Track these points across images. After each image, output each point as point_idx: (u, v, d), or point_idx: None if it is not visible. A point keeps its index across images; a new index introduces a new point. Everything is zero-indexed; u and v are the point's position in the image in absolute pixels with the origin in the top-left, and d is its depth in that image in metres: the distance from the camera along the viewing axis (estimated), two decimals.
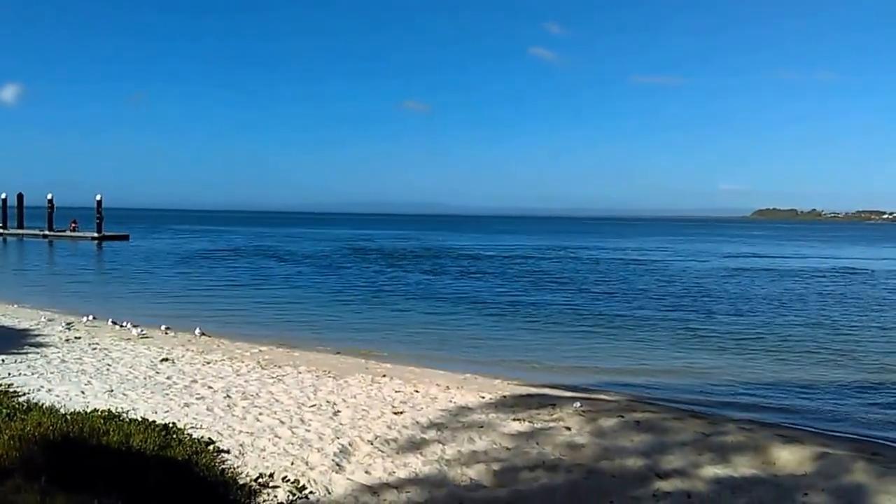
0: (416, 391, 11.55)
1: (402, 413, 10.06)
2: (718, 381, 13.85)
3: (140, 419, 8.50)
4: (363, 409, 10.19)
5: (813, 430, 10.44)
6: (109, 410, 8.79)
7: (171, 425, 8.41)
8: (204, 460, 7.29)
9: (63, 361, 12.93)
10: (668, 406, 11.52)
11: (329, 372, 12.93)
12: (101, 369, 12.39)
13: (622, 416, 10.08)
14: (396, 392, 11.43)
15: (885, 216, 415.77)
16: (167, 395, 10.63)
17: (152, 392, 10.76)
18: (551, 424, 9.69)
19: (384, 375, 12.82)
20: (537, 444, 8.82)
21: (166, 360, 13.47)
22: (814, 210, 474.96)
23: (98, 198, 62.07)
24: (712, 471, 7.88)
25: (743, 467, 8.04)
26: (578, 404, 10.72)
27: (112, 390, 10.78)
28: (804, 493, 7.26)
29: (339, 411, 10.05)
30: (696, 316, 23.14)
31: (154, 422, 8.42)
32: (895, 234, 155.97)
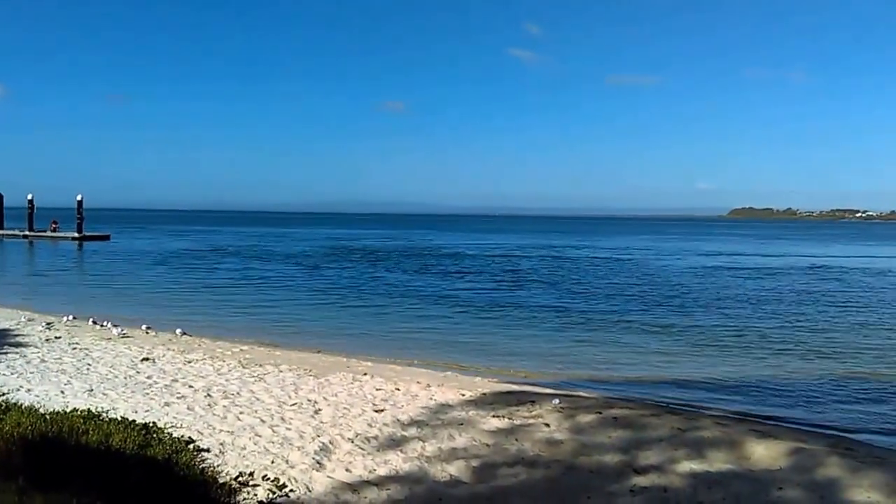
0: (398, 389, 11.60)
1: (382, 411, 10.10)
2: (695, 378, 14.02)
3: (120, 418, 8.47)
4: (344, 408, 10.22)
5: (788, 425, 10.62)
6: (89, 410, 8.75)
7: (151, 424, 8.40)
8: (184, 459, 7.29)
9: (43, 361, 12.87)
10: (645, 402, 11.65)
11: (310, 370, 12.95)
12: (81, 369, 12.34)
13: (600, 413, 10.18)
14: (377, 390, 11.47)
15: (858, 214, 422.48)
16: (147, 394, 10.61)
17: (132, 391, 10.74)
18: (530, 421, 9.78)
19: (365, 374, 12.86)
20: (517, 440, 8.90)
21: (147, 359, 13.43)
22: (789, 209, 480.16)
23: (79, 198, 61.50)
24: (688, 466, 8.00)
25: (718, 462, 8.17)
26: (557, 401, 10.81)
27: (92, 390, 10.75)
28: (778, 488, 7.38)
29: (319, 410, 10.08)
30: (674, 313, 23.37)
31: (134, 421, 8.40)
32: (869, 232, 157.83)
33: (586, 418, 9.91)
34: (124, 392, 10.68)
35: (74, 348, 14.34)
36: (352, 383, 11.94)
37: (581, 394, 12.14)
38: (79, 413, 8.49)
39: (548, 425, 9.59)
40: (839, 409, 11.92)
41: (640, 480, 7.54)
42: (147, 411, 9.49)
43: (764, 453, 8.47)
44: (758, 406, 11.93)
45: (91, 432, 7.47)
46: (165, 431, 8.26)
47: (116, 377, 11.78)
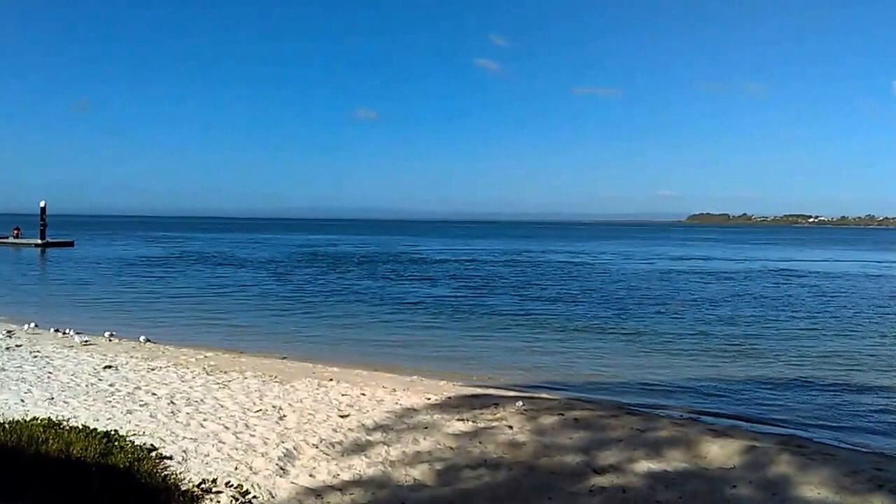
0: (363, 394, 11.66)
1: (347, 416, 10.16)
2: (654, 379, 14.29)
3: (81, 427, 8.42)
4: (309, 413, 10.26)
5: (742, 424, 10.88)
6: (49, 418, 8.69)
7: (112, 432, 8.35)
8: (146, 467, 7.28)
9: (3, 370, 12.69)
10: (605, 404, 11.87)
11: (275, 377, 12.95)
12: (42, 377, 12.20)
13: (562, 415, 10.36)
14: (343, 395, 11.52)
15: (811, 220, 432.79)
16: (109, 402, 10.54)
17: (94, 399, 10.66)
18: (494, 424, 9.91)
19: (331, 379, 12.90)
20: (480, 443, 9.02)
21: (109, 367, 13.32)
22: (744, 214, 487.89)
23: (42, 204, 60.39)
24: (646, 465, 8.19)
25: (675, 461, 8.37)
26: (520, 403, 10.98)
27: (53, 398, 10.65)
28: (732, 486, 7.59)
29: (284, 416, 10.11)
30: (633, 317, 23.75)
31: (95, 429, 8.35)
32: (822, 236, 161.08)
33: (548, 420, 10.08)
34: (86, 400, 10.60)
35: (35, 356, 14.16)
36: (317, 389, 11.97)
37: (544, 396, 12.32)
38: (39, 422, 8.42)
39: (511, 427, 9.73)
40: (792, 407, 12.23)
41: (600, 480, 7.70)
42: (109, 419, 9.43)
43: (719, 452, 8.70)
44: (713, 406, 12.21)
45: (51, 441, 7.43)
46: (127, 439, 8.22)
47: (78, 385, 11.67)
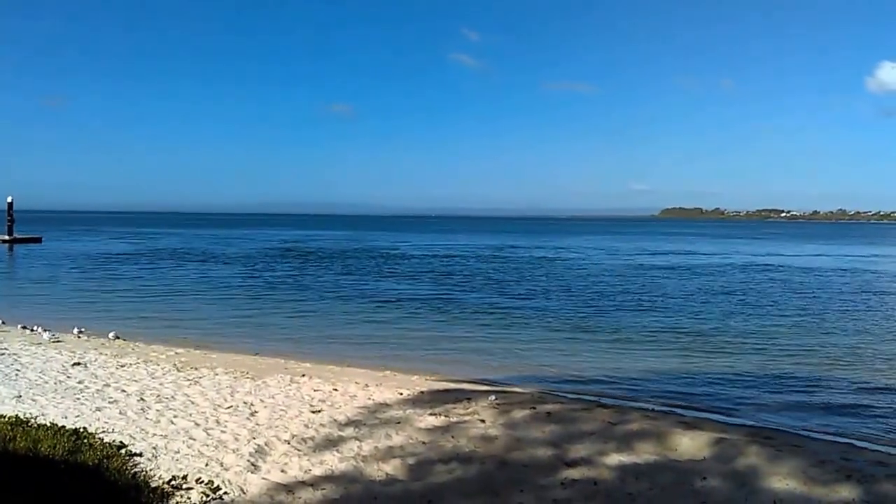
0: (335, 389, 11.62)
1: (320, 412, 10.12)
2: (627, 373, 14.42)
3: (49, 424, 8.31)
4: (281, 409, 10.21)
5: (713, 416, 11.03)
6: (17, 416, 8.56)
7: (81, 430, 8.25)
8: (115, 464, 7.20)
9: None
10: (577, 397, 11.96)
11: (247, 373, 12.86)
12: (10, 375, 11.99)
13: (534, 408, 10.41)
14: (315, 391, 11.48)
15: (783, 214, 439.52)
16: (78, 399, 10.40)
17: (63, 397, 10.51)
18: (466, 418, 9.93)
19: (303, 375, 12.84)
20: (453, 437, 9.03)
21: (78, 364, 13.14)
22: (717, 209, 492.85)
23: (9, 199, 59.29)
24: (617, 458, 8.25)
25: (646, 454, 8.45)
26: (493, 397, 11.02)
27: (20, 396, 10.47)
28: (702, 478, 7.68)
29: (256, 412, 10.04)
30: (608, 311, 23.93)
31: (64, 427, 8.26)
32: (800, 231, 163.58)
33: (520, 414, 10.12)
34: (54, 398, 10.44)
35: (2, 354, 13.91)
36: (289, 385, 11.91)
37: (516, 390, 12.37)
38: (6, 419, 8.30)
39: (483, 421, 9.76)
40: (761, 399, 12.42)
41: (572, 473, 7.75)
42: (77, 417, 9.31)
43: (689, 444, 8.80)
44: (685, 399, 12.36)
45: (18, 439, 7.33)
46: (96, 437, 8.13)
47: (46, 383, 11.50)
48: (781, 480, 7.60)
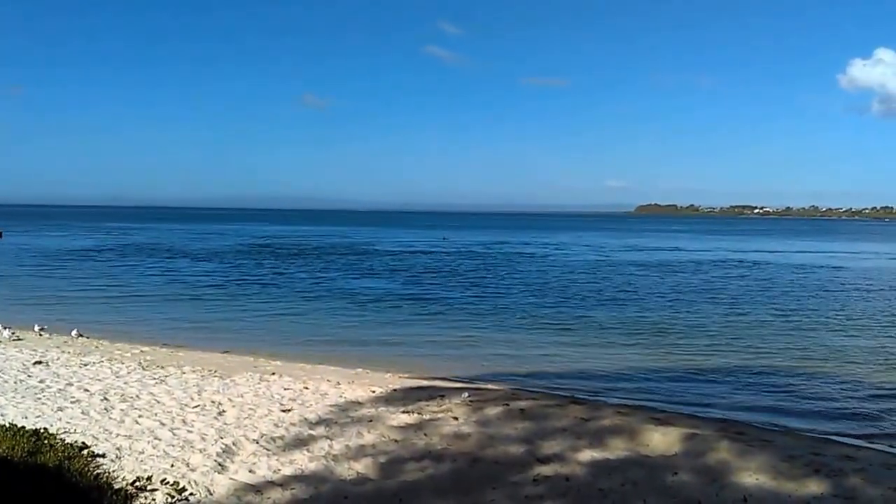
0: (306, 388, 11.47)
1: (290, 410, 9.97)
2: (600, 369, 14.47)
3: (8, 425, 8.07)
4: (250, 408, 10.03)
5: (684, 412, 11.07)
6: None
7: (42, 430, 8.02)
8: (77, 466, 7.01)
9: None
10: (550, 394, 11.95)
11: (215, 371, 12.64)
12: None
13: (507, 405, 10.36)
14: (285, 390, 11.31)
15: (756, 210, 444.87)
16: (39, 399, 10.12)
17: (23, 396, 10.22)
18: (439, 415, 9.85)
19: (273, 373, 12.66)
20: (425, 435, 8.95)
21: (40, 362, 12.81)
22: (692, 205, 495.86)
23: None
24: (589, 454, 8.23)
25: (618, 450, 8.44)
26: (466, 395, 10.95)
27: None
28: (674, 473, 7.68)
29: (224, 411, 9.86)
30: (581, 307, 24.05)
31: (24, 427, 8.01)
32: (768, 227, 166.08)
33: (494, 411, 10.07)
34: (14, 397, 10.16)
35: None
36: (259, 383, 11.72)
37: (490, 386, 12.32)
38: None
39: (456, 419, 9.69)
40: (733, 395, 12.52)
41: (544, 469, 7.71)
42: (38, 417, 9.06)
43: (661, 440, 8.81)
44: (658, 395, 12.41)
45: None
46: (58, 437, 7.92)
47: (6, 382, 11.18)
48: (752, 475, 7.64)
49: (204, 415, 9.63)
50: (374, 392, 11.22)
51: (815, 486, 7.33)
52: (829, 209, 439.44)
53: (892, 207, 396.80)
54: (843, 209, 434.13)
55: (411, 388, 11.64)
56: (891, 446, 9.65)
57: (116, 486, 6.68)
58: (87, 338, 16.22)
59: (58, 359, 13.29)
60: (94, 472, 6.98)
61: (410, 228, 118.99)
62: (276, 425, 9.20)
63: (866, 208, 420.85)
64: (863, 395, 12.63)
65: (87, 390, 10.80)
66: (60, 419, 9.04)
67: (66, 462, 7.02)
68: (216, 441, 8.39)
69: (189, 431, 8.79)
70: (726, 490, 7.21)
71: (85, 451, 7.61)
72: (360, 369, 13.66)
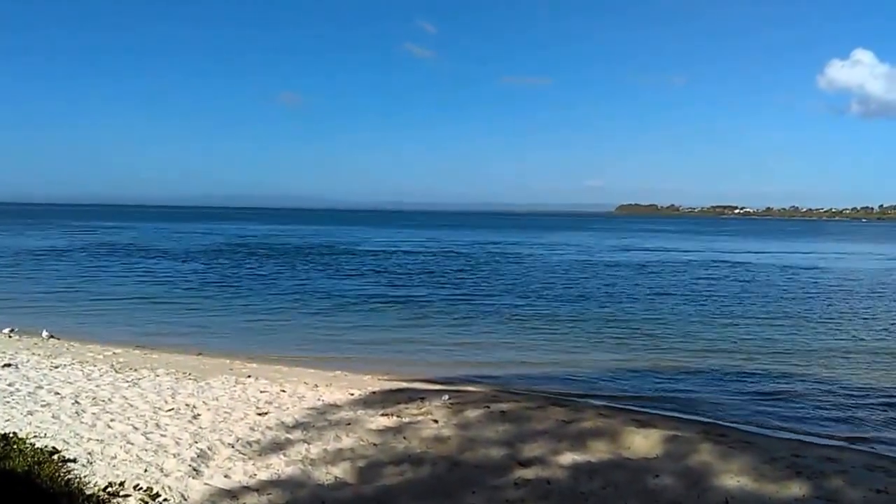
0: (283, 391, 11.31)
1: (266, 414, 9.81)
2: (581, 370, 14.41)
3: None
4: (225, 412, 9.85)
5: (666, 414, 11.05)
6: None
7: (10, 435, 7.78)
8: (47, 471, 6.80)
9: None
10: (531, 396, 11.88)
11: (190, 374, 12.42)
12: None
13: (488, 407, 10.27)
14: (262, 392, 11.14)
15: (737, 211, 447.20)
16: (8, 402, 9.86)
17: None
18: (419, 418, 9.74)
19: (249, 376, 12.48)
20: (405, 438, 8.83)
21: (8, 365, 12.51)
22: (672, 205, 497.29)
23: None
24: (571, 457, 8.16)
25: (599, 452, 8.39)
26: (446, 397, 10.85)
27: None
28: (655, 475, 7.64)
29: (199, 415, 9.67)
30: (562, 307, 24.01)
31: None
32: (749, 227, 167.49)
33: (474, 413, 9.97)
34: None
35: None
36: (234, 386, 11.55)
37: (470, 388, 12.24)
38: None
39: (436, 422, 9.58)
40: (715, 397, 12.50)
41: (525, 473, 7.63)
42: (7, 421, 8.82)
43: (642, 442, 8.77)
44: (640, 397, 12.39)
45: None
46: (27, 442, 7.68)
47: None
48: (733, 478, 7.62)
49: (178, 418, 9.43)
50: (352, 395, 11.08)
51: (796, 488, 7.33)
52: (810, 210, 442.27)
53: (871, 208, 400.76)
54: (824, 209, 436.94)
55: (390, 391, 11.51)
56: (872, 448, 9.69)
57: (88, 492, 6.50)
58: (59, 339, 15.91)
59: (27, 361, 12.99)
60: (66, 478, 6.79)
61: (384, 227, 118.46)
62: (252, 429, 9.04)
63: (846, 209, 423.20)
64: (845, 396, 12.67)
65: (57, 393, 10.54)
66: (30, 423, 8.80)
67: (36, 467, 6.81)
68: (191, 445, 8.21)
69: (163, 435, 8.60)
70: (708, 492, 7.18)
71: (55, 456, 7.39)
72: (338, 371, 13.51)
